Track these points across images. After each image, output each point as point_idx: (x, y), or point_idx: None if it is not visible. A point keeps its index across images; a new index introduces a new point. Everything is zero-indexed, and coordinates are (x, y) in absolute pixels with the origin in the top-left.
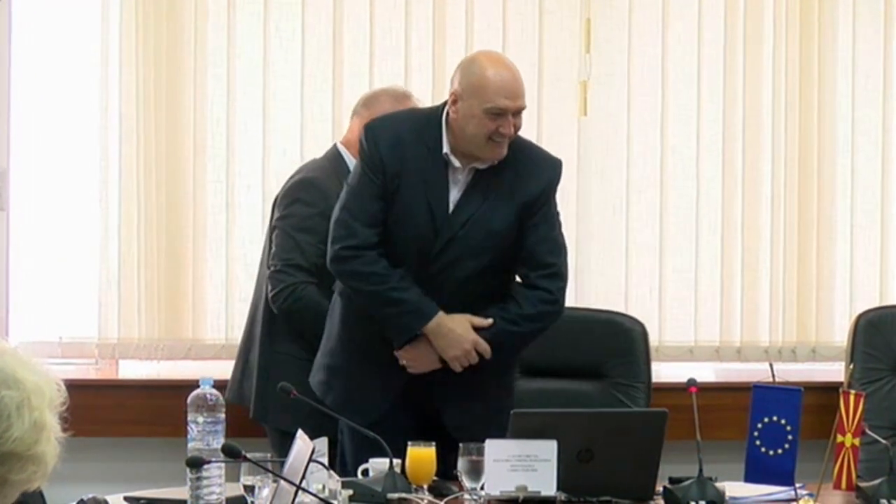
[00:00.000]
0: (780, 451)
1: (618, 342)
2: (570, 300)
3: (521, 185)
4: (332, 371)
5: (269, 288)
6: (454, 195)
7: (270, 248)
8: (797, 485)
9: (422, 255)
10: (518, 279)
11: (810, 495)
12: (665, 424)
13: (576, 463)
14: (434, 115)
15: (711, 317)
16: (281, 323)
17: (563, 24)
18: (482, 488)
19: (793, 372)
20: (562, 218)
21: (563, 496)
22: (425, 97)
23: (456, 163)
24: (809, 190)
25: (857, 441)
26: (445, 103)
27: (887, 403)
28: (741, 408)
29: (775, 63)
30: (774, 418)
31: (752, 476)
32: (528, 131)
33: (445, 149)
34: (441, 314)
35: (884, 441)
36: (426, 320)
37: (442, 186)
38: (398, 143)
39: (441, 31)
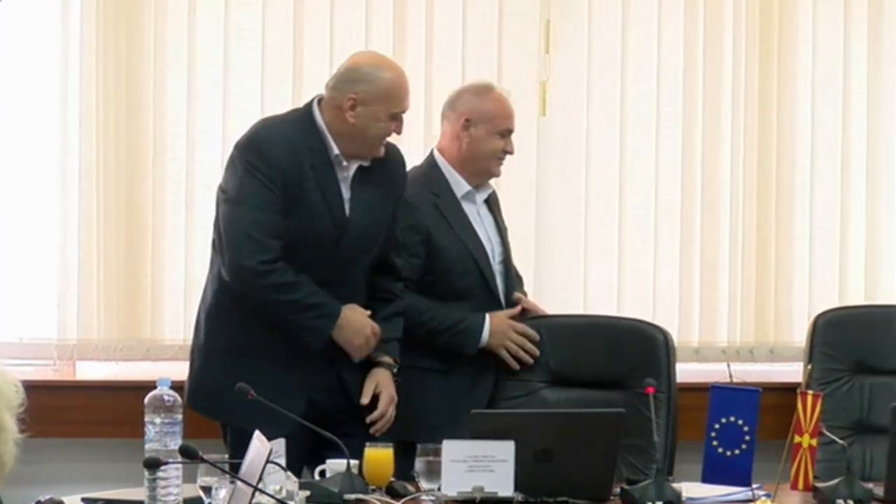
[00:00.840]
0: (737, 451)
1: (640, 350)
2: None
3: (392, 177)
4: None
5: None
6: (346, 194)
7: None
8: (754, 485)
9: (327, 254)
10: None
11: (767, 496)
12: (622, 425)
13: (533, 463)
14: (308, 118)
15: (669, 317)
16: None
17: (523, 24)
18: (439, 489)
19: (751, 372)
20: (521, 217)
21: (520, 497)
22: None
23: (345, 162)
24: (768, 190)
25: (814, 441)
26: (310, 105)
27: (845, 404)
28: (699, 408)
29: (735, 64)
30: (732, 419)
31: (709, 476)
32: None
33: (336, 150)
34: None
35: (841, 441)
36: (337, 317)
37: (335, 186)
38: (291, 148)
39: (401, 32)
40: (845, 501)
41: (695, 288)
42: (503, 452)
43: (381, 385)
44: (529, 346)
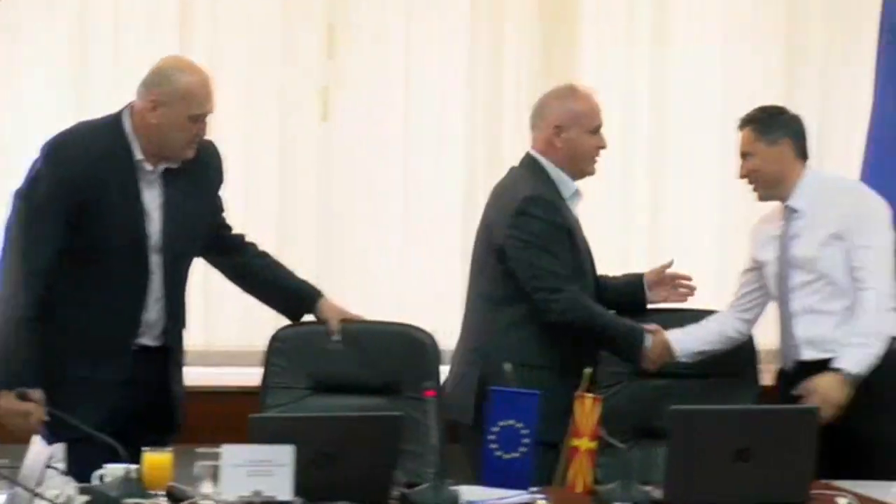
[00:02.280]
0: (515, 454)
1: (408, 354)
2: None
3: (206, 173)
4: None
5: (549, 304)
6: (152, 198)
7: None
8: (533, 488)
9: (134, 262)
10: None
11: (545, 498)
12: (400, 428)
13: (312, 467)
14: (115, 123)
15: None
16: None
17: (306, 29)
18: (218, 493)
19: None
20: (304, 221)
21: (299, 501)
22: None
23: (149, 167)
24: None
25: (592, 444)
26: (120, 111)
27: (623, 407)
28: None
29: (518, 63)
30: (511, 422)
31: (487, 479)
32: (270, 136)
33: (138, 155)
34: None
35: (620, 445)
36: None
37: (135, 192)
38: (86, 162)
39: (188, 34)
40: None
41: None
42: (282, 457)
43: (341, 312)
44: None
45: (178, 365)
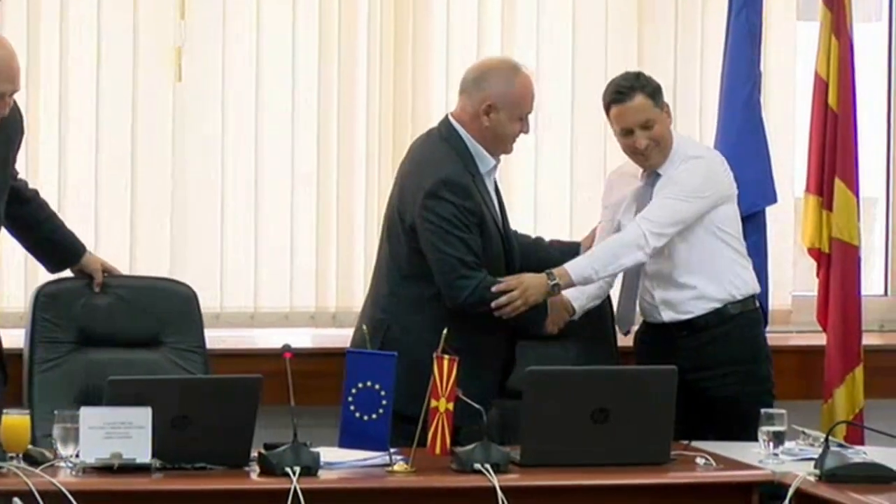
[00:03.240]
0: (374, 416)
1: (172, 309)
2: (164, 270)
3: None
4: None
5: (453, 291)
6: None
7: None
8: (392, 449)
9: None
10: None
11: (405, 460)
12: (260, 390)
13: (171, 429)
14: None
15: (307, 283)
16: None
17: None
18: (77, 455)
19: None
20: (159, 184)
21: (158, 463)
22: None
23: None
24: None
25: (450, 406)
26: None
27: None
28: (336, 373)
29: (370, 34)
30: (369, 383)
31: (346, 441)
32: (123, 97)
33: None
34: None
35: (476, 406)
36: None
37: None
38: None
39: None
40: (482, 465)
41: (331, 254)
42: (140, 419)
43: (103, 263)
44: None
45: None
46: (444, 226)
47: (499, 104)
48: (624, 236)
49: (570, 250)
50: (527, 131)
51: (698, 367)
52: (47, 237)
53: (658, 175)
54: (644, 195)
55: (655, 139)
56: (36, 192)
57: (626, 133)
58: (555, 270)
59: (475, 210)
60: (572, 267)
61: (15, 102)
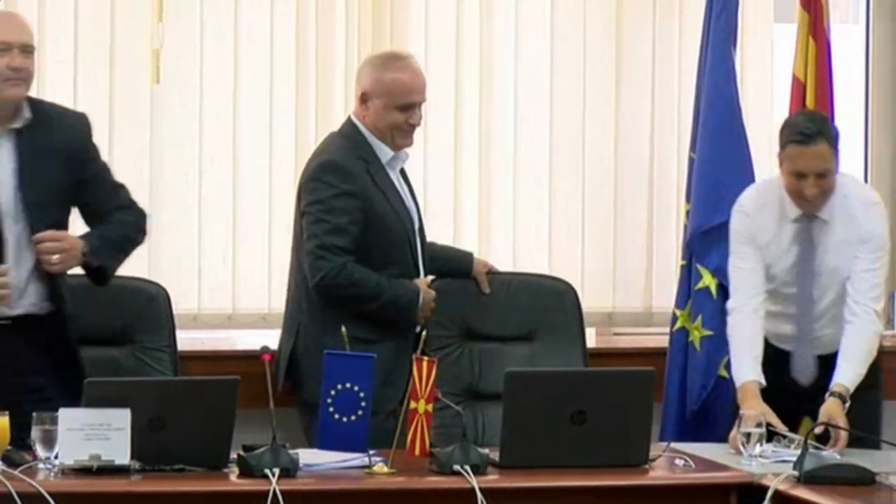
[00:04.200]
0: (353, 417)
1: (141, 307)
2: (142, 271)
3: (61, 140)
4: None
5: (311, 272)
6: (5, 162)
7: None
8: (371, 451)
9: None
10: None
11: (384, 461)
12: (237, 391)
13: (149, 431)
14: None
15: (285, 284)
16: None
17: None
18: (56, 457)
19: None
20: (135, 185)
21: (137, 465)
22: None
23: None
24: None
25: (430, 407)
26: None
27: (456, 370)
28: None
29: (348, 23)
30: (348, 385)
31: (325, 443)
32: (101, 99)
33: None
34: None
35: (456, 407)
36: None
37: None
38: None
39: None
40: (461, 467)
41: None
42: (119, 420)
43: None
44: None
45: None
46: (317, 208)
47: (372, 93)
48: (865, 329)
49: (462, 259)
50: (415, 122)
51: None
52: None
53: (817, 217)
54: (805, 238)
55: (826, 190)
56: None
57: (798, 176)
58: (838, 390)
59: (356, 193)
60: (849, 381)
61: (81, 117)
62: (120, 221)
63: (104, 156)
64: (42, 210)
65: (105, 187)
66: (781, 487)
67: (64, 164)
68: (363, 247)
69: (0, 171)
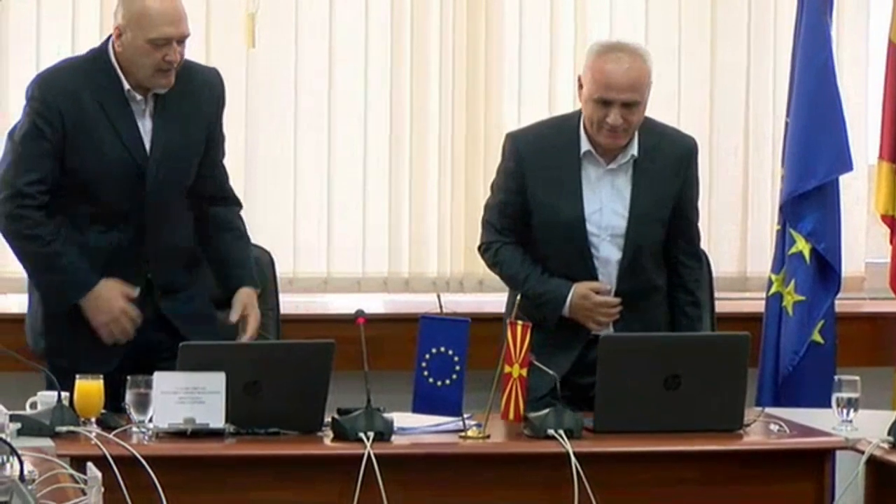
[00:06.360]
0: (447, 381)
1: None
2: None
3: (199, 102)
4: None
5: None
6: (146, 126)
7: None
8: (465, 415)
9: (130, 193)
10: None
11: (478, 426)
12: (332, 355)
13: (243, 395)
14: (102, 54)
15: (379, 248)
16: None
17: None
18: (150, 421)
19: (460, 303)
20: (232, 150)
21: (231, 428)
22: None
23: (138, 96)
24: (476, 124)
25: (523, 371)
26: (107, 41)
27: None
28: (409, 339)
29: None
30: (442, 349)
31: (420, 406)
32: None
33: (126, 85)
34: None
35: (551, 372)
36: (86, 290)
37: (129, 121)
38: (72, 88)
39: None
40: (556, 431)
41: (404, 219)
42: (214, 384)
43: (248, 307)
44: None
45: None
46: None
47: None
48: None
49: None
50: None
51: None
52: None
53: None
54: None
55: None
56: (235, 211)
57: None
58: None
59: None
60: None
61: (213, 73)
62: (241, 239)
63: None
64: (174, 173)
65: (215, 156)
66: (877, 453)
67: (202, 121)
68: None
69: (143, 136)
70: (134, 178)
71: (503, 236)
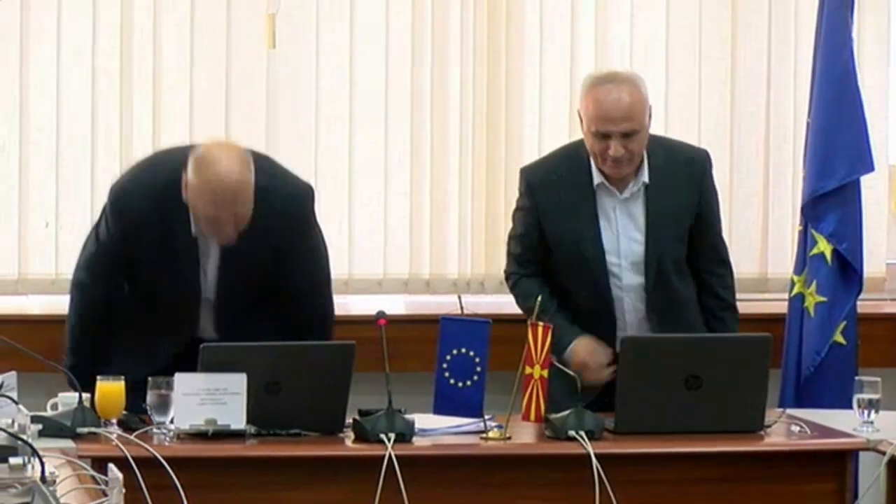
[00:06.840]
0: (468, 382)
1: None
2: None
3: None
4: None
5: None
6: (211, 255)
7: None
8: (486, 416)
9: (189, 316)
10: None
11: (499, 427)
12: (353, 356)
13: (265, 396)
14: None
15: (400, 249)
16: None
17: None
18: (172, 422)
19: (481, 304)
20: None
21: (252, 429)
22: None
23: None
24: (497, 125)
25: (545, 373)
26: None
27: None
28: (430, 340)
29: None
30: (463, 350)
31: (441, 408)
32: (217, 65)
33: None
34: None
35: (571, 373)
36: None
37: (195, 251)
38: (147, 212)
39: None
40: (577, 432)
41: (425, 219)
42: (235, 385)
43: None
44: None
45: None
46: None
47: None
48: None
49: None
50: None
51: None
52: None
53: None
54: None
55: None
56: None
57: None
58: None
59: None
60: None
61: (284, 200)
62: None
63: (220, 120)
64: (241, 299)
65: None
66: None
67: (269, 253)
68: None
69: (206, 263)
70: (192, 302)
71: (522, 268)
